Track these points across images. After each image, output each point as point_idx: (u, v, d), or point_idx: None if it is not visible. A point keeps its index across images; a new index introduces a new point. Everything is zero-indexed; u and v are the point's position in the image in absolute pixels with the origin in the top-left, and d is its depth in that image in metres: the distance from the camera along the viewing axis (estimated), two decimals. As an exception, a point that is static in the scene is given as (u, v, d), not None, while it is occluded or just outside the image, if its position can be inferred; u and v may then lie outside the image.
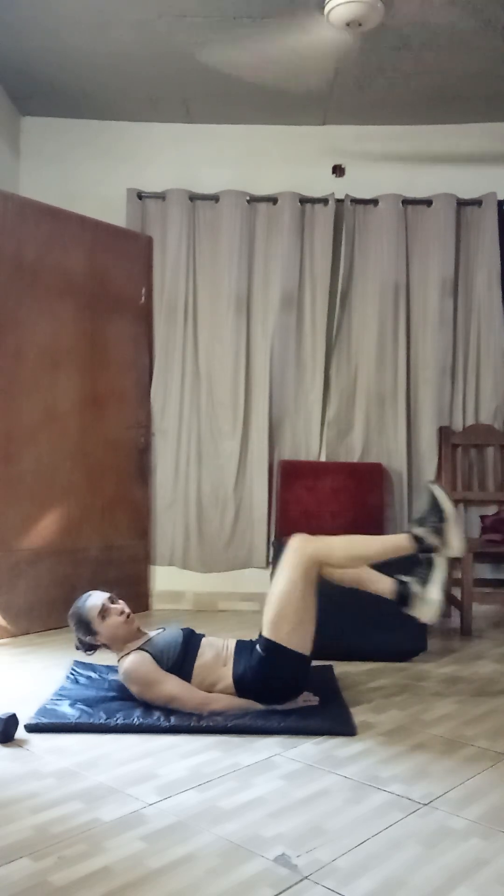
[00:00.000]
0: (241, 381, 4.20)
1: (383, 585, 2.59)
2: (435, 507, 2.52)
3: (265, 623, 2.44)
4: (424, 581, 2.52)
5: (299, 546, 2.47)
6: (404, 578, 2.56)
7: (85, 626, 2.51)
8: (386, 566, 2.60)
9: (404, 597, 2.53)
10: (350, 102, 4.07)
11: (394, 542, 2.53)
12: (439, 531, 2.48)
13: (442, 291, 4.20)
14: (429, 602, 2.50)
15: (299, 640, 2.40)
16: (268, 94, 4.00)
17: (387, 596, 2.56)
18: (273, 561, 3.67)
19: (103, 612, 2.50)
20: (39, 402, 3.69)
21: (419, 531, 2.50)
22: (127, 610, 2.54)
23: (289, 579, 2.42)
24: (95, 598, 2.54)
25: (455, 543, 2.48)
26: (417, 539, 2.50)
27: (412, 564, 2.58)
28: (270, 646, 2.39)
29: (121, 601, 2.58)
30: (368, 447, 4.23)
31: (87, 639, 2.52)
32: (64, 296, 3.81)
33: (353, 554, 2.51)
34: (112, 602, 2.55)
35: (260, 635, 2.45)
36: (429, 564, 2.54)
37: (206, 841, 1.62)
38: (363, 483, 4.09)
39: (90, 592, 2.60)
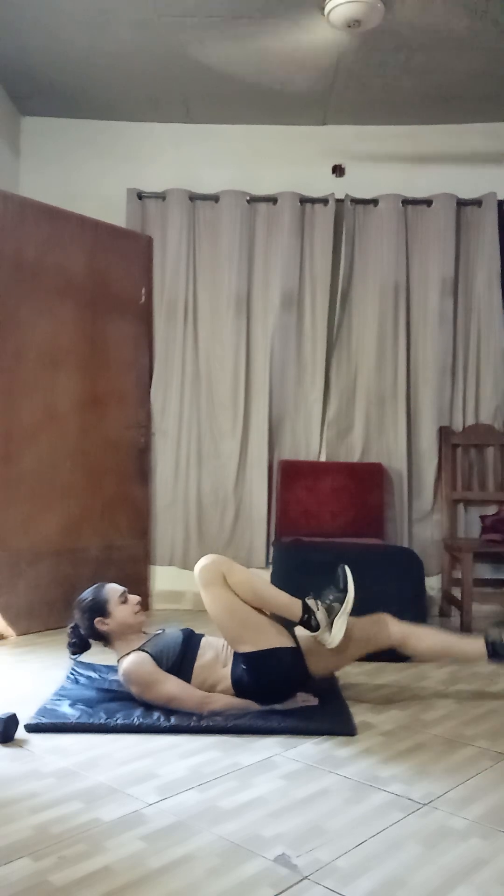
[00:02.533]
0: (241, 381, 4.20)
1: (290, 610, 2.51)
2: (343, 588, 2.50)
3: (231, 644, 2.46)
4: (333, 609, 2.46)
5: (205, 566, 2.48)
6: (311, 604, 2.47)
7: (99, 607, 2.52)
8: (298, 582, 2.65)
9: (311, 626, 2.46)
10: (350, 102, 4.07)
11: (287, 603, 2.48)
12: (332, 612, 2.46)
13: (442, 291, 4.20)
14: (334, 631, 2.45)
15: (271, 636, 2.42)
16: (268, 94, 4.00)
17: (292, 619, 2.50)
18: (273, 561, 3.67)
19: (123, 596, 2.55)
20: (39, 402, 3.68)
21: (312, 603, 2.47)
22: (140, 603, 2.61)
23: (214, 598, 2.44)
24: (114, 585, 2.61)
25: (336, 635, 2.43)
26: (307, 609, 2.46)
27: (323, 584, 2.57)
28: (249, 659, 2.40)
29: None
30: (368, 447, 4.23)
31: (96, 622, 2.51)
32: (64, 296, 3.81)
33: (252, 586, 2.49)
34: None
35: (235, 654, 2.45)
36: (341, 591, 2.50)
37: (206, 841, 1.62)
38: (363, 483, 4.09)
39: (101, 584, 2.63)
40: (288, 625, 2.50)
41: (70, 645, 2.60)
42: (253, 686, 2.39)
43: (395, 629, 2.55)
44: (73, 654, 2.61)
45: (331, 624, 2.44)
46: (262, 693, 2.40)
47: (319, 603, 2.48)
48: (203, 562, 2.52)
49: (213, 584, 2.44)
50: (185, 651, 2.47)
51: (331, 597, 2.49)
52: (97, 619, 2.51)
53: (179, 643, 2.48)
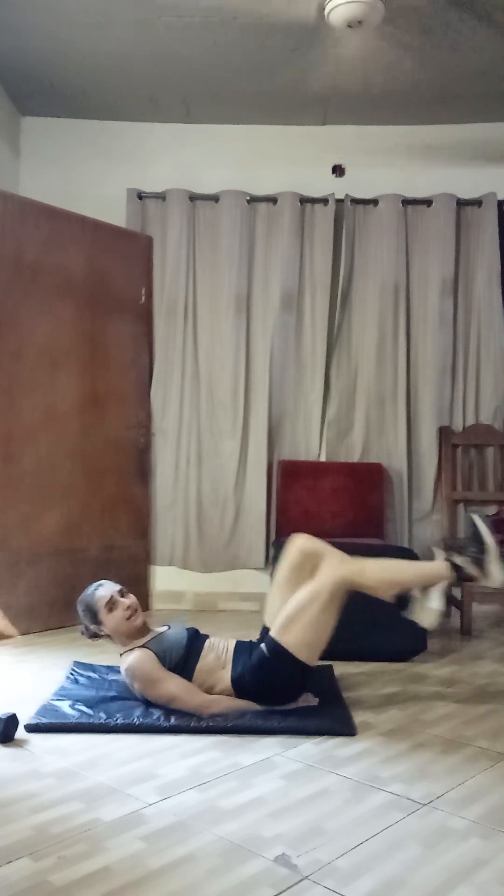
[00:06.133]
0: (241, 381, 4.20)
1: (437, 571, 2.50)
2: (476, 537, 2.49)
3: (275, 624, 2.42)
4: (481, 563, 2.46)
5: (335, 564, 2.43)
6: (457, 560, 2.48)
7: (91, 614, 2.52)
8: None
9: (404, 601, 2.49)
10: (350, 102, 4.07)
11: (431, 569, 2.47)
12: (479, 562, 2.46)
13: (442, 291, 4.20)
14: (429, 609, 2.46)
15: (307, 651, 2.37)
16: (268, 94, 4.00)
17: (386, 599, 2.50)
18: (273, 561, 3.66)
19: (111, 604, 2.51)
20: (39, 402, 3.68)
21: (459, 560, 2.47)
22: (135, 605, 2.54)
23: (315, 592, 2.38)
24: (105, 589, 2.55)
25: (497, 575, 2.43)
26: (456, 567, 2.46)
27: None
28: (276, 648, 2.37)
29: (131, 595, 2.58)
30: (368, 447, 4.23)
31: (93, 627, 2.54)
32: (64, 296, 3.81)
33: (386, 578, 2.45)
34: (122, 595, 2.55)
35: (266, 634, 2.43)
36: (479, 542, 2.48)
37: (206, 841, 1.62)
38: (363, 483, 4.09)
39: (101, 582, 2.61)
40: None
41: (83, 634, 2.61)
42: (253, 686, 2.39)
43: (345, 567, 2.43)
44: (91, 639, 2.61)
45: (483, 571, 2.44)
46: (261, 695, 2.40)
47: (464, 559, 2.47)
48: (341, 567, 2.44)
49: (326, 584, 2.37)
50: (188, 652, 2.46)
51: (472, 549, 2.48)
52: (93, 625, 2.53)
53: (184, 644, 2.48)
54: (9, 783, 1.89)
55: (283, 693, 2.42)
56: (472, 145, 4.30)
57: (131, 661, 2.41)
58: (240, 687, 2.40)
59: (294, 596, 2.42)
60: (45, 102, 4.16)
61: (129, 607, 2.52)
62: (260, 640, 2.48)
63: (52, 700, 2.47)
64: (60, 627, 3.62)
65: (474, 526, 2.52)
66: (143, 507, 4.18)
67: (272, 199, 4.26)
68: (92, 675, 2.78)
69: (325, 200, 4.24)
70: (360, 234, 4.28)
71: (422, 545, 4.15)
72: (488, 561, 2.46)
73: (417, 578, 2.48)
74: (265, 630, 2.58)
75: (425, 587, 2.47)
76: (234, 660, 2.46)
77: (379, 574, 2.45)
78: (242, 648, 2.51)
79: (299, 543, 2.59)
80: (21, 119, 4.32)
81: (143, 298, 4.21)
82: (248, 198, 4.25)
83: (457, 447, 4.20)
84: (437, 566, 2.47)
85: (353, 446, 4.25)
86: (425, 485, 4.23)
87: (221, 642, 2.55)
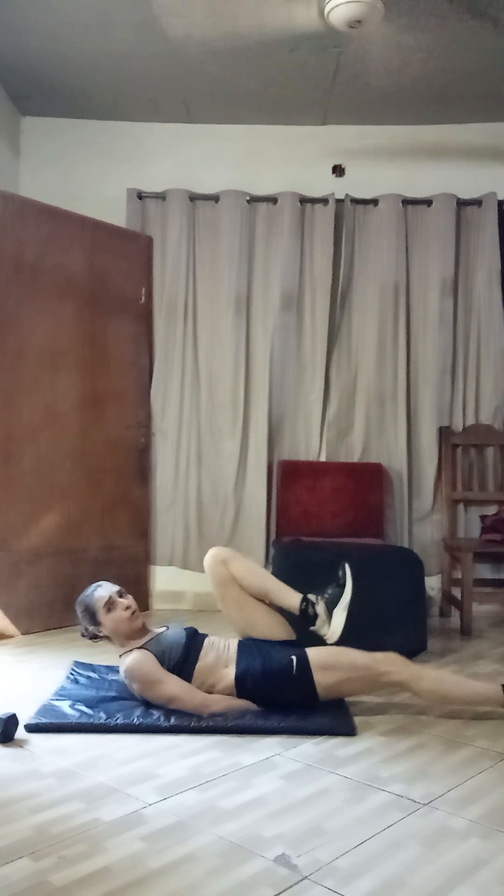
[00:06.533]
0: (241, 381, 4.20)
1: (290, 600, 2.59)
2: (340, 583, 2.55)
3: (318, 654, 2.43)
4: (333, 603, 2.52)
5: (400, 665, 2.42)
6: (311, 597, 2.54)
7: (90, 615, 2.53)
8: (297, 582, 2.66)
9: (309, 616, 2.52)
10: (350, 102, 4.07)
11: (485, 693, 2.43)
12: (332, 605, 2.53)
13: (442, 291, 4.20)
14: (333, 624, 2.49)
15: (326, 692, 2.41)
16: (268, 94, 4.00)
17: (292, 610, 2.56)
18: (273, 561, 3.66)
19: (109, 605, 2.51)
20: (39, 402, 3.68)
21: (312, 596, 2.53)
22: (133, 606, 2.55)
23: (370, 666, 2.39)
24: (103, 590, 2.56)
25: (336, 628, 2.51)
26: (307, 600, 2.52)
27: (323, 583, 2.61)
28: (306, 674, 2.38)
29: (129, 596, 2.59)
30: (368, 447, 4.23)
31: (91, 628, 2.54)
32: (64, 296, 3.81)
33: (439, 693, 2.43)
34: (120, 596, 2.56)
35: (304, 650, 2.45)
36: (340, 586, 2.54)
37: (206, 841, 1.62)
38: (363, 483, 4.09)
39: (100, 583, 2.62)
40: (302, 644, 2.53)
41: (83, 636, 2.62)
42: (256, 687, 2.39)
43: (406, 670, 2.44)
44: (91, 640, 2.62)
45: (330, 617, 2.50)
46: (261, 698, 2.40)
47: (319, 597, 2.54)
48: (206, 559, 2.65)
49: (379, 668, 2.40)
50: (187, 652, 2.46)
51: (329, 591, 2.55)
52: (92, 626, 2.53)
53: (182, 643, 2.48)
54: (9, 783, 1.90)
55: (282, 704, 2.41)
56: (472, 145, 4.30)
57: (130, 662, 2.41)
58: (243, 685, 2.40)
59: (353, 651, 2.44)
60: (45, 102, 4.16)
61: (127, 608, 2.53)
62: (291, 645, 2.51)
63: (52, 700, 2.48)
64: (60, 627, 3.62)
65: (344, 571, 2.57)
66: (143, 507, 4.18)
67: (272, 199, 4.26)
68: (92, 675, 2.78)
69: (325, 200, 4.24)
70: (360, 234, 4.28)
71: (422, 545, 4.15)
72: (338, 608, 2.51)
73: (469, 699, 2.46)
74: (252, 640, 2.60)
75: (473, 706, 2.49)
76: (237, 658, 2.46)
77: (434, 687, 2.43)
78: (246, 647, 2.51)
79: (212, 556, 2.68)
80: (21, 119, 4.32)
81: (143, 298, 4.21)
82: (248, 198, 4.25)
83: (457, 447, 4.20)
84: (492, 690, 2.43)
85: (353, 446, 4.25)
86: (425, 485, 4.23)
87: (221, 641, 2.55)
